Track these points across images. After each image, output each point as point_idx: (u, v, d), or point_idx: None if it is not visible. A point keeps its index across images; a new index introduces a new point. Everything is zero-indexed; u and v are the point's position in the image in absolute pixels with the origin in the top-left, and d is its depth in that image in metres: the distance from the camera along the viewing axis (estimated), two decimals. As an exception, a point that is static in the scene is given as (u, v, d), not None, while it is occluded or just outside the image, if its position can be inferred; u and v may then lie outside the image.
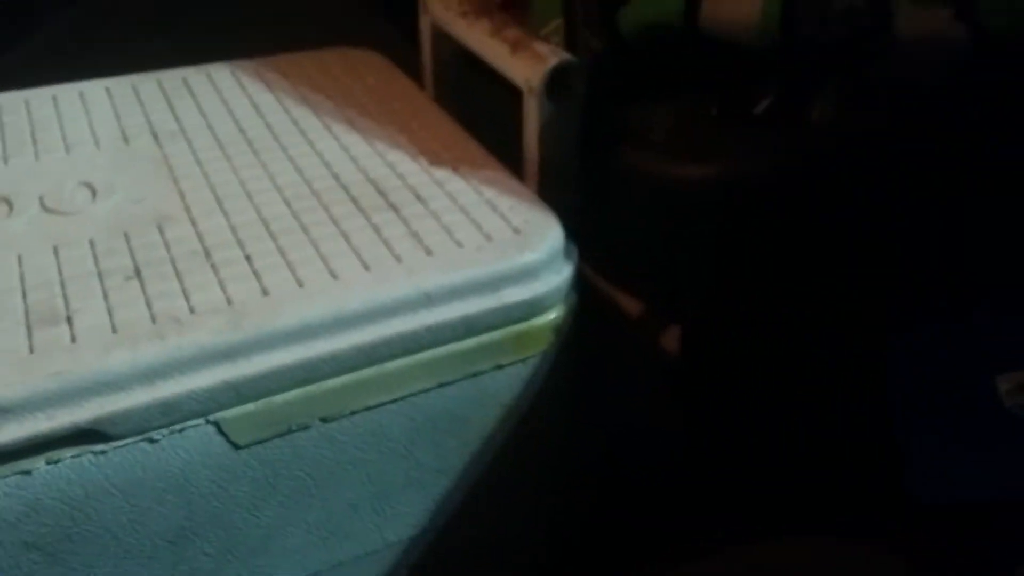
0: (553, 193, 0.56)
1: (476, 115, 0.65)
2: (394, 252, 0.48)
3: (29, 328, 0.42)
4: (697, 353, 0.64)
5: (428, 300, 0.46)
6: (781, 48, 0.55)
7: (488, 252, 0.49)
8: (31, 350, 0.40)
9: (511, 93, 0.59)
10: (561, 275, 0.50)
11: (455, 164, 0.57)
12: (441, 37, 0.67)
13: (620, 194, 0.59)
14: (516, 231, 0.50)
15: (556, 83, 0.54)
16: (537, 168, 0.57)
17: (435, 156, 0.58)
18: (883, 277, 0.63)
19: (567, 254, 0.51)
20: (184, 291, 0.44)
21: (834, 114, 0.57)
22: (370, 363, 0.45)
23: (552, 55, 0.54)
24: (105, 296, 0.44)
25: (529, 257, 0.49)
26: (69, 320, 0.42)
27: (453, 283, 0.47)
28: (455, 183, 0.55)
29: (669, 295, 0.63)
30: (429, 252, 0.48)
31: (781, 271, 0.61)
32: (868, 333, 0.65)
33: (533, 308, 0.49)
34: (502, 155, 0.59)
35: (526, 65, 0.55)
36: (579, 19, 0.58)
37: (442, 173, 0.56)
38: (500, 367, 0.49)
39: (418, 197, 0.53)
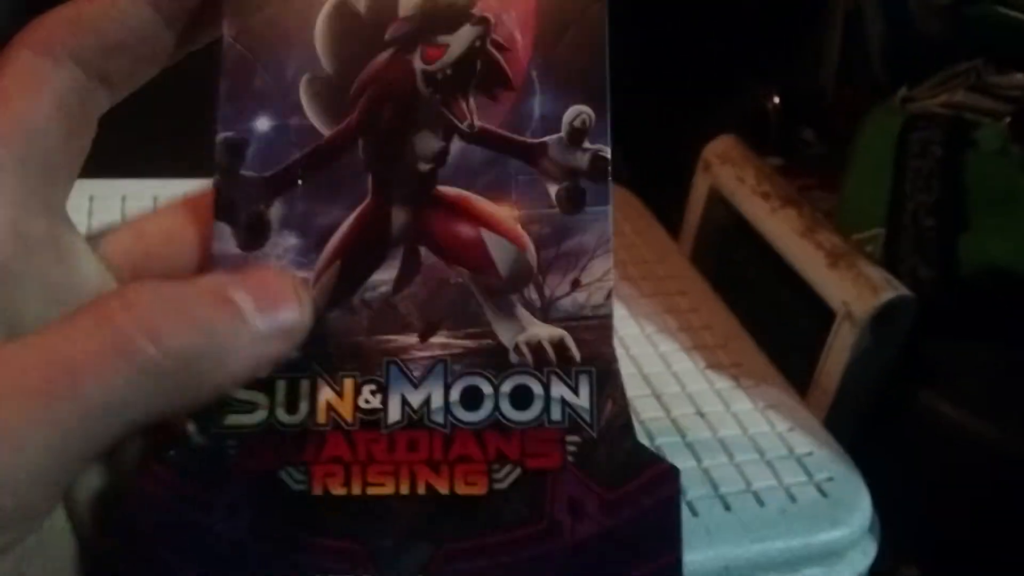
0: (840, 425, 0.49)
1: (739, 292, 0.58)
2: (686, 497, 0.41)
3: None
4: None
5: (726, 574, 0.39)
6: None
7: (793, 519, 0.41)
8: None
9: (800, 296, 0.52)
10: (867, 557, 0.42)
11: (734, 370, 0.50)
12: (718, 202, 0.61)
13: (908, 436, 0.52)
14: (823, 494, 0.43)
15: (884, 316, 0.47)
16: (832, 398, 0.49)
17: (711, 353, 0.51)
18: None
19: (873, 530, 0.43)
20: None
21: None
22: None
23: (885, 284, 0.47)
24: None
25: (839, 533, 0.41)
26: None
27: (754, 555, 0.40)
28: (740, 400, 0.48)
29: (921, 542, 0.55)
30: (727, 507, 0.41)
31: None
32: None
33: (830, 594, 0.42)
34: (765, 348, 0.53)
35: (848, 287, 0.48)
36: (910, 240, 0.51)
37: (723, 382, 0.49)
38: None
39: (701, 415, 0.47)
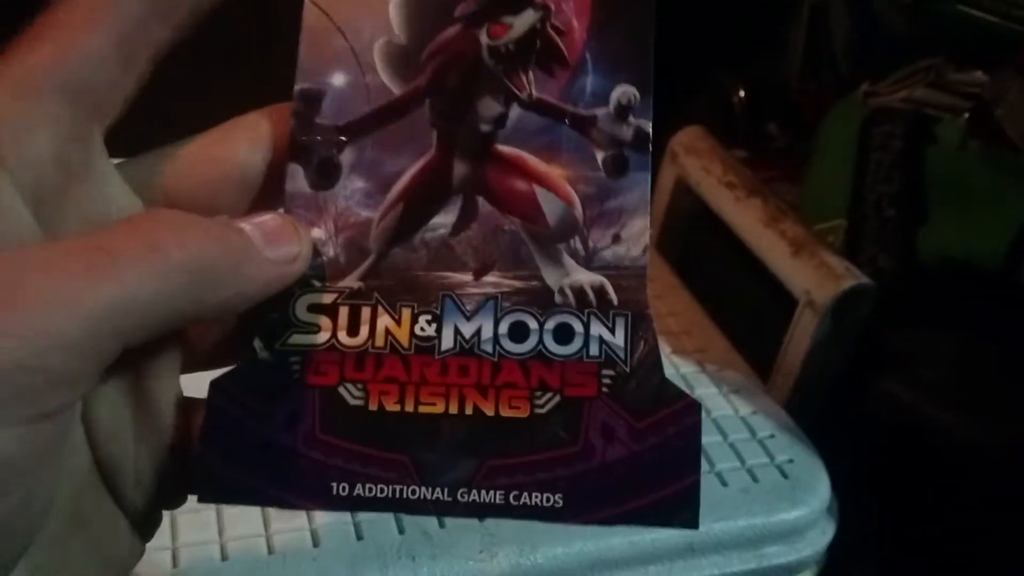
0: (801, 409, 0.50)
1: (704, 280, 0.59)
2: (653, 477, 0.42)
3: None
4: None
5: (689, 551, 0.40)
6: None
7: (755, 499, 0.42)
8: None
9: (763, 283, 0.53)
10: (826, 536, 0.44)
11: (698, 355, 0.51)
12: (684, 192, 0.62)
13: (867, 421, 0.53)
14: (783, 475, 0.44)
15: (844, 303, 0.48)
16: (793, 383, 0.50)
17: (676, 340, 0.52)
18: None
19: (831, 510, 0.45)
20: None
21: None
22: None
23: (846, 272, 0.48)
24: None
25: (799, 512, 0.43)
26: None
27: (717, 533, 0.41)
28: (704, 385, 0.49)
29: (878, 525, 0.56)
30: (693, 487, 0.42)
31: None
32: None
33: (790, 572, 0.43)
34: (729, 334, 0.54)
35: (811, 276, 0.49)
36: (871, 231, 0.52)
37: (687, 368, 0.50)
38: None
39: (667, 398, 0.47)
